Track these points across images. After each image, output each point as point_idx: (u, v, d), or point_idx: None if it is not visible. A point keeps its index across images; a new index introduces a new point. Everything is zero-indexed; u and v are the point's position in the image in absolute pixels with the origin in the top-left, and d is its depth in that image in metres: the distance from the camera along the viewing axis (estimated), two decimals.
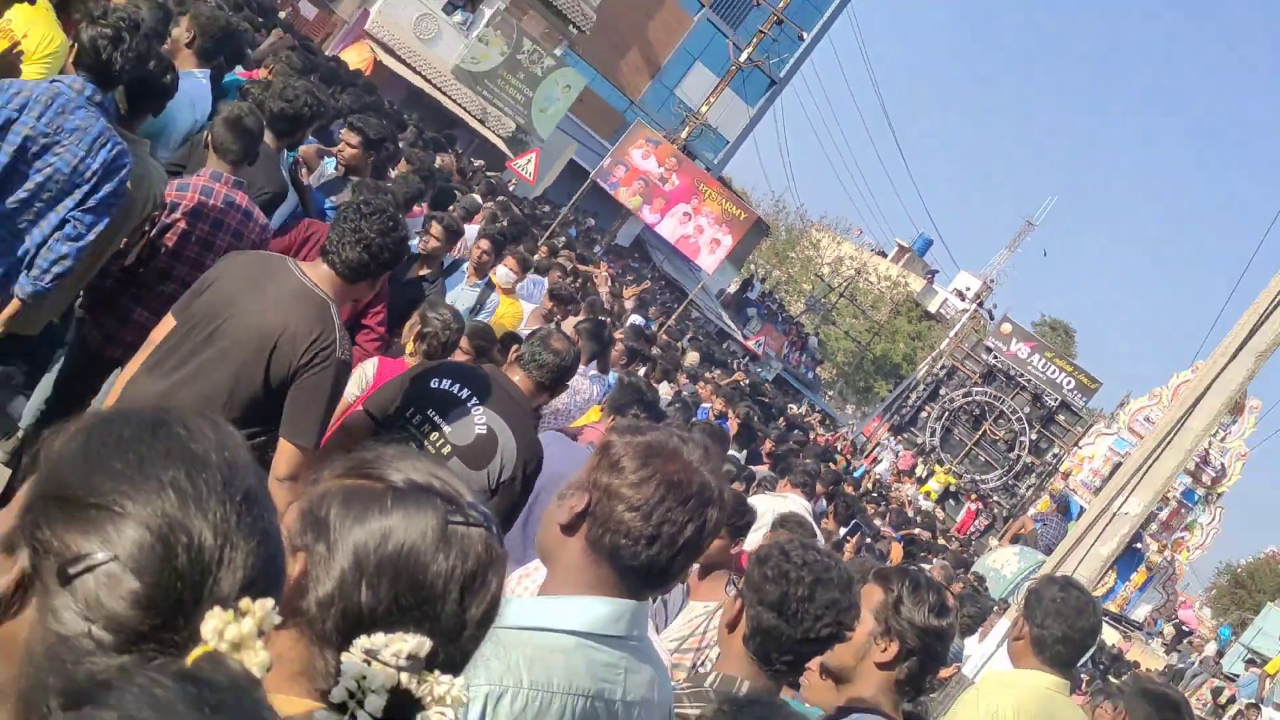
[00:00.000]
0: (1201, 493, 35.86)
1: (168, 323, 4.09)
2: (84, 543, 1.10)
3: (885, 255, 68.95)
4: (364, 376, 5.16)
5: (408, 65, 29.50)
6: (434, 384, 4.38)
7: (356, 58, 27.66)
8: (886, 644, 3.10)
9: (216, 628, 1.03)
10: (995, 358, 40.62)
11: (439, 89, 29.96)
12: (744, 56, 37.53)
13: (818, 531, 7.71)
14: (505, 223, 12.58)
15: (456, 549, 1.38)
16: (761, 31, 37.79)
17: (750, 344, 43.56)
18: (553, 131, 31.79)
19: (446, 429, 4.25)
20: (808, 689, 3.31)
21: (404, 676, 1.28)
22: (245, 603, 1.06)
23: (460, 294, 8.78)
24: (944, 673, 6.37)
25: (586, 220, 34.16)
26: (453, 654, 1.38)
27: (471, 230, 10.24)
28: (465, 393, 4.34)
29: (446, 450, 4.21)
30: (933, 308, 65.53)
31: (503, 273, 9.16)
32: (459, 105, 30.23)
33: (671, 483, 2.01)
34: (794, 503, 7.65)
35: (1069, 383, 40.22)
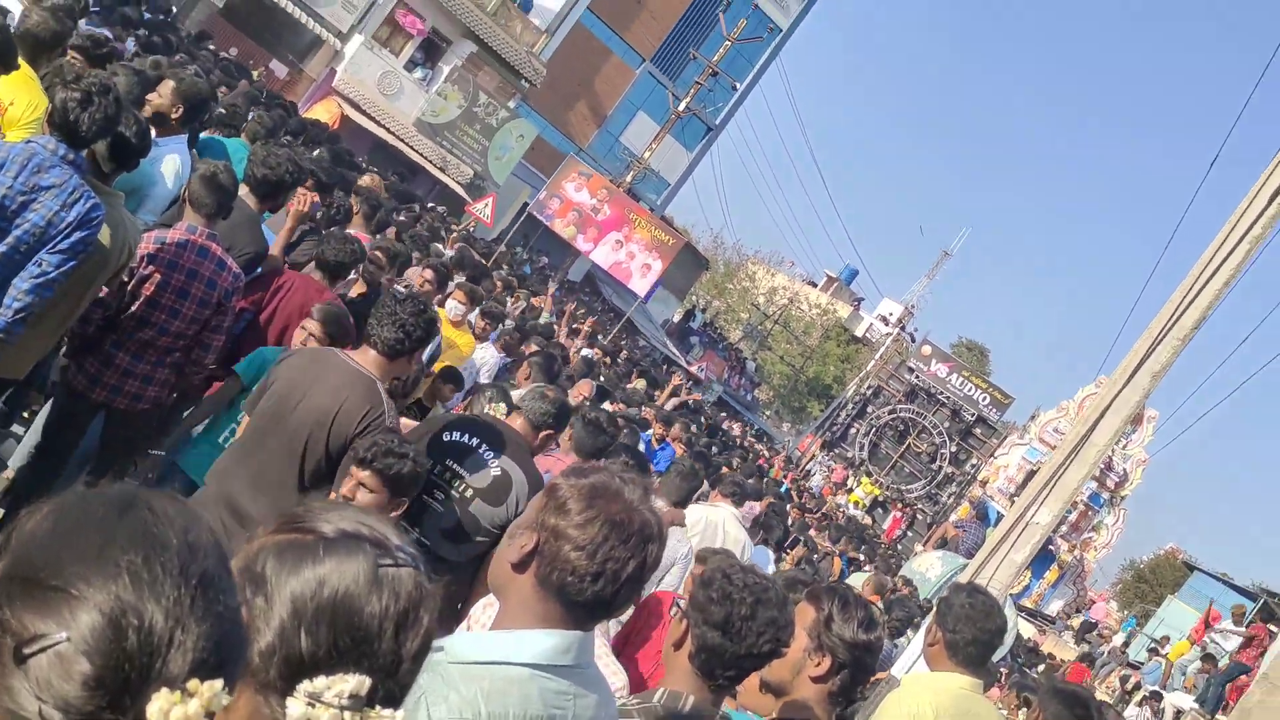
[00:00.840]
0: (1106, 496, 36.27)
1: (244, 420, 4.62)
2: (40, 624, 1.06)
3: (815, 285, 69.34)
4: None
5: (372, 119, 29.47)
6: (446, 438, 4.70)
7: (325, 113, 27.54)
8: (820, 659, 3.12)
9: (162, 708, 1.01)
10: (917, 377, 40.92)
11: (402, 140, 29.95)
12: (682, 106, 37.70)
13: (748, 543, 7.66)
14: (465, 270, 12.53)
15: (388, 590, 1.36)
16: (698, 83, 37.98)
17: (693, 369, 43.64)
18: (508, 177, 31.83)
19: (467, 476, 4.58)
20: (744, 694, 3.32)
21: (347, 715, 1.27)
22: (193, 684, 1.04)
23: None
24: (874, 677, 6.38)
25: (540, 258, 34.15)
26: (391, 688, 1.36)
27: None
28: (475, 441, 4.70)
29: (469, 494, 4.56)
30: (859, 332, 65.93)
31: (451, 305, 8.82)
32: (420, 155, 30.23)
33: (614, 522, 2.01)
34: (724, 511, 7.59)
35: (984, 399, 40.57)
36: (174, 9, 22.56)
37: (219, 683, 1.06)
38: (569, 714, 2.02)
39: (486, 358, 9.29)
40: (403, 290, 4.57)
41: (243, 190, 6.34)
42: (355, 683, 1.28)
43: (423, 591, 1.41)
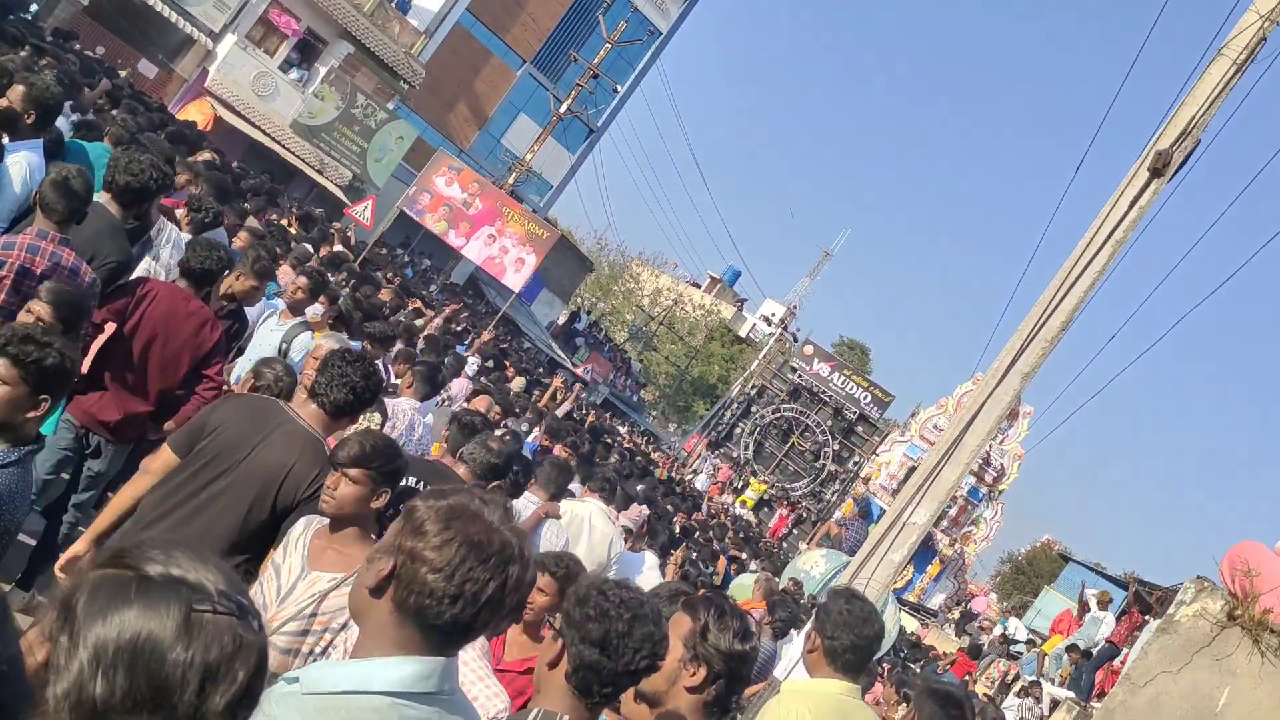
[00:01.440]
0: (985, 490, 37.14)
1: (167, 457, 4.40)
2: None
3: (699, 286, 69.89)
4: None
5: (247, 120, 28.87)
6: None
7: (197, 114, 26.93)
8: (695, 669, 3.11)
9: None
10: (800, 376, 41.48)
11: (278, 142, 29.38)
12: (564, 108, 37.67)
13: (616, 538, 7.62)
14: (345, 274, 12.32)
15: (199, 639, 1.30)
16: (579, 85, 38.00)
17: (579, 371, 43.62)
18: (388, 179, 31.44)
19: None
20: (623, 704, 3.31)
21: None
22: None
23: (268, 333, 8.12)
24: (752, 689, 6.40)
25: (422, 261, 33.80)
26: None
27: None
28: (424, 486, 5.04)
29: None
30: (743, 333, 66.62)
31: (312, 309, 8.46)
32: (298, 157, 29.70)
33: (473, 543, 1.97)
34: (591, 505, 7.56)
35: (866, 397, 41.29)
36: (34, 6, 21.82)
37: None
38: None
39: (416, 423, 9.05)
40: (352, 351, 4.66)
41: (105, 198, 6.14)
42: None
43: (239, 643, 1.34)
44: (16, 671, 1.15)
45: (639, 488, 12.30)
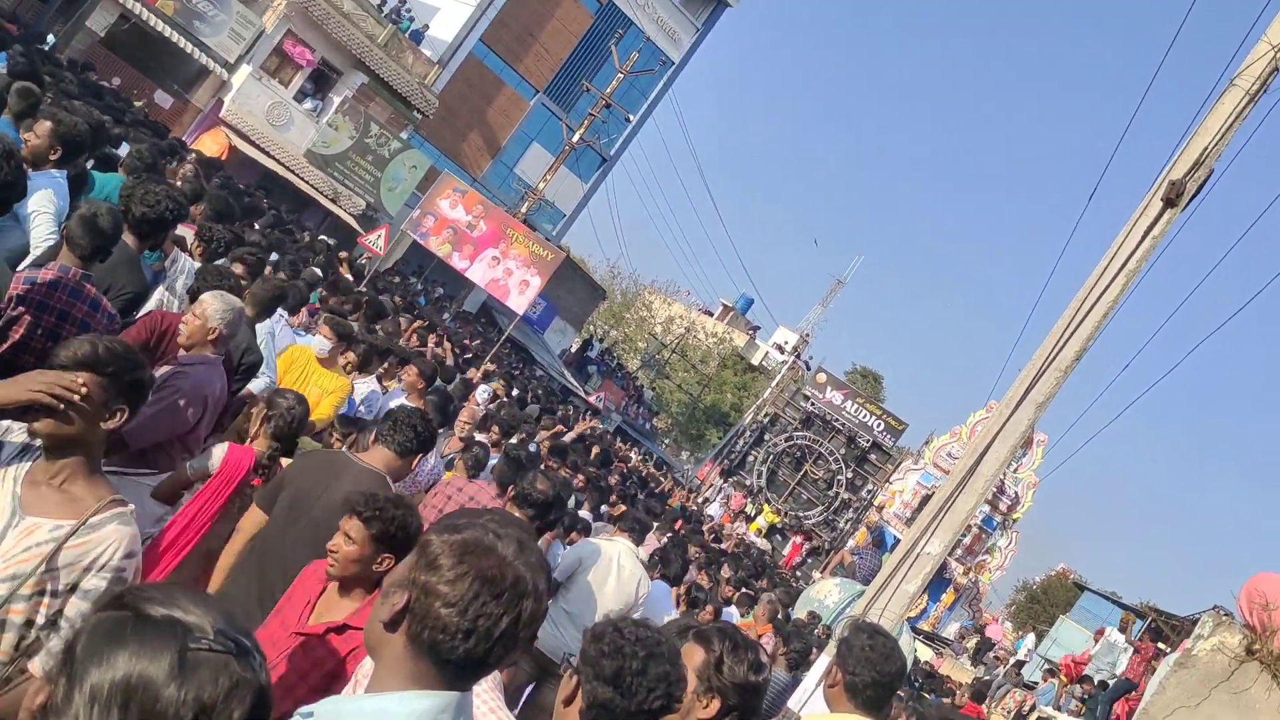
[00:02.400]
0: (999, 519, 36.99)
1: (257, 515, 4.87)
2: None
3: (711, 314, 69.92)
4: (211, 457, 5.20)
5: (262, 150, 29.05)
6: None
7: (212, 144, 27.12)
8: (709, 701, 3.11)
9: None
10: (813, 404, 41.40)
11: (292, 171, 29.56)
12: (576, 137, 37.78)
13: (644, 578, 7.66)
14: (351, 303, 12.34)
15: (193, 679, 1.32)
16: (592, 114, 38.12)
17: (592, 399, 43.62)
18: (401, 208, 31.58)
19: None
20: None
21: None
22: None
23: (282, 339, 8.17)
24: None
25: (435, 289, 33.87)
26: None
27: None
28: None
29: None
30: (756, 361, 66.55)
31: (317, 342, 8.30)
32: (312, 186, 29.87)
33: (486, 578, 1.96)
34: (620, 545, 7.59)
35: (879, 425, 41.17)
36: (50, 37, 22.00)
37: None
38: None
39: (362, 390, 9.09)
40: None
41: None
42: None
43: (235, 682, 1.35)
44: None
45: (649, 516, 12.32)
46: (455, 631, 1.94)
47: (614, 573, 7.35)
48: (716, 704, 3.11)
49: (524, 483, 6.19)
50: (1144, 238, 6.68)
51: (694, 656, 3.15)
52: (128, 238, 6.06)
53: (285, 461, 5.39)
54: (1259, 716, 3.26)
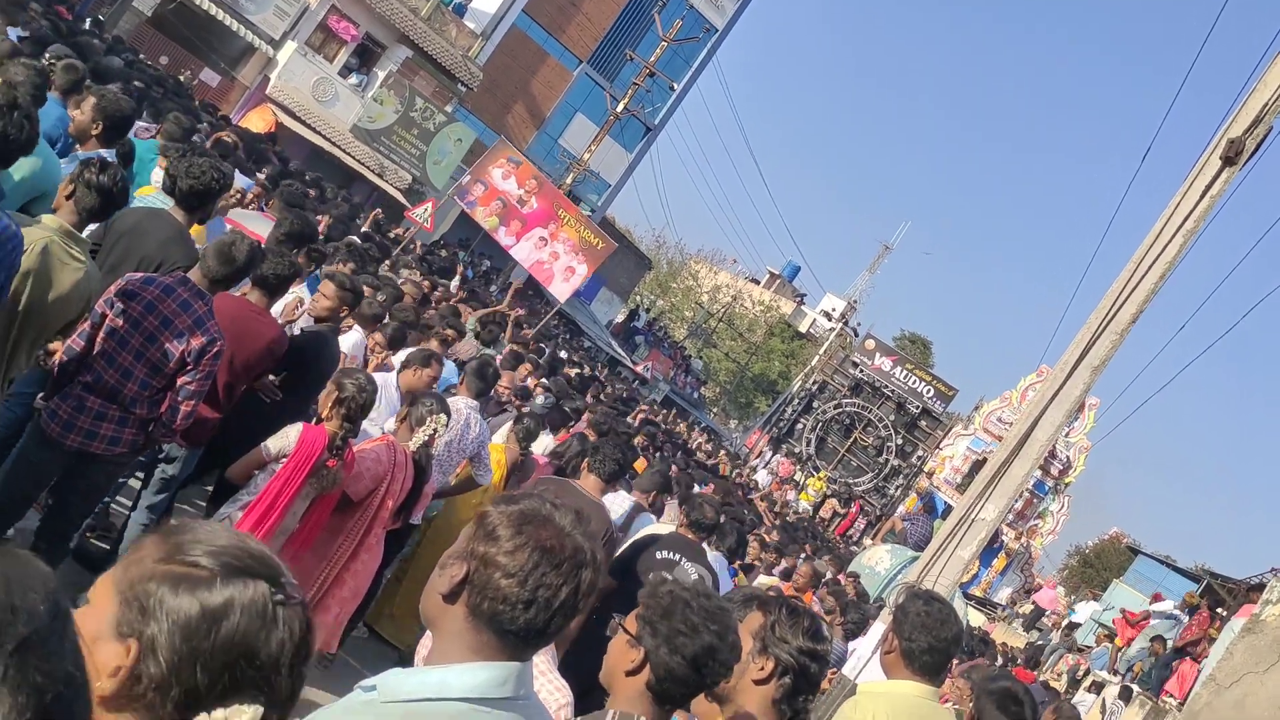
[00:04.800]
0: (1051, 484, 36.69)
1: None
2: None
3: (758, 282, 69.67)
4: (287, 439, 5.28)
5: (308, 126, 29.19)
6: (659, 555, 6.61)
7: (260, 121, 27.27)
8: (763, 662, 3.12)
9: None
10: (861, 371, 41.22)
11: (338, 146, 29.69)
12: (620, 107, 37.64)
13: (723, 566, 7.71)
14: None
15: (284, 626, 1.41)
16: (636, 84, 37.95)
17: (639, 369, 43.66)
18: (446, 181, 31.64)
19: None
20: (695, 703, 3.32)
21: None
22: None
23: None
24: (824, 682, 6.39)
25: (482, 262, 33.96)
26: (285, 715, 1.43)
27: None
28: (677, 555, 6.64)
29: None
30: (803, 328, 66.31)
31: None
32: (358, 161, 29.99)
33: (545, 549, 1.95)
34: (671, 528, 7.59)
35: (928, 391, 40.94)
36: (100, 18, 22.16)
37: None
38: None
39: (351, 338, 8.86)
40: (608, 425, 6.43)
41: (168, 202, 6.22)
42: (252, 713, 1.35)
43: (311, 625, 1.46)
44: (72, 689, 1.15)
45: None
46: (515, 602, 1.93)
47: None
48: (771, 665, 3.11)
49: (693, 511, 7.01)
50: (1202, 197, 6.54)
51: (753, 621, 3.17)
52: (176, 212, 6.09)
53: (365, 444, 5.48)
54: None
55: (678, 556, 6.60)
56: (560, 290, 18.35)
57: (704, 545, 7.33)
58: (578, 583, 1.98)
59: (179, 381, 5.00)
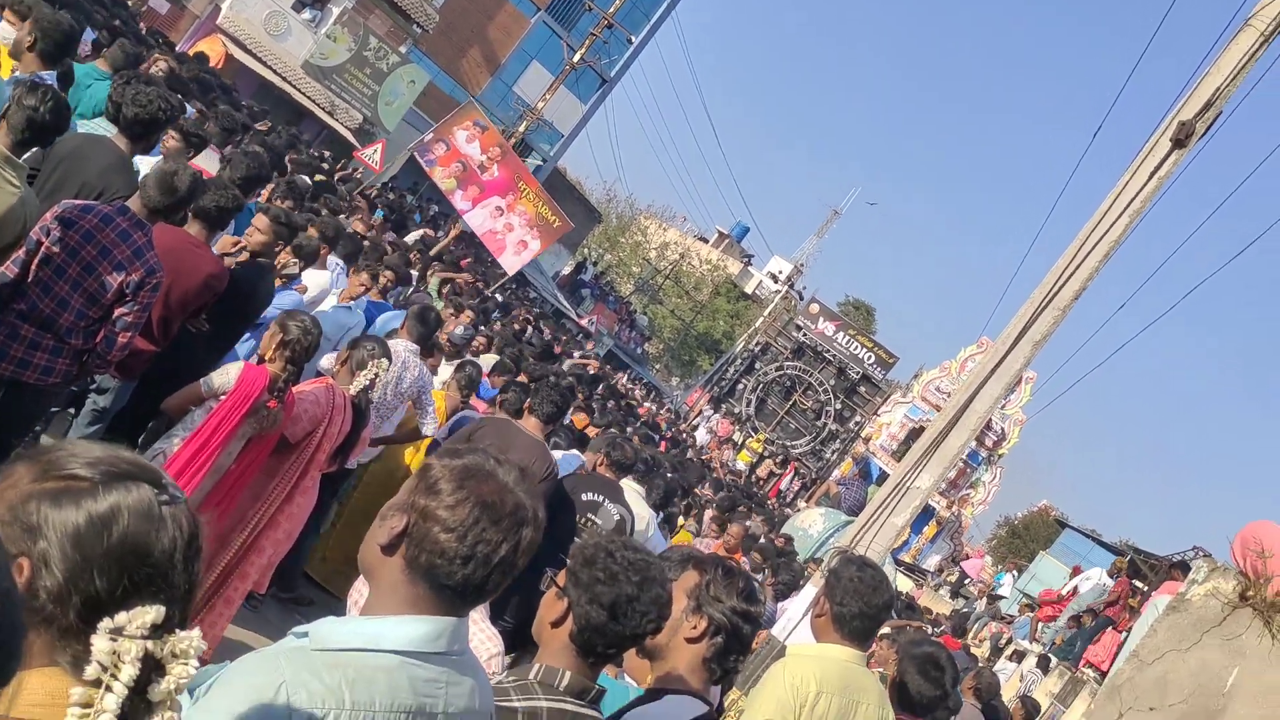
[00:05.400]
0: (984, 454, 37.16)
1: None
2: None
3: (707, 241, 69.66)
4: (227, 375, 5.24)
5: (259, 59, 28.63)
6: (584, 496, 6.82)
7: (209, 51, 26.71)
8: (696, 621, 3.14)
9: None
10: (804, 335, 41.40)
11: (289, 82, 29.16)
12: (577, 57, 37.34)
13: (652, 519, 7.70)
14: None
15: (172, 524, 1.44)
16: (593, 34, 37.65)
17: (584, 322, 43.57)
18: (398, 124, 31.24)
19: (601, 524, 6.69)
20: (626, 659, 3.35)
21: (150, 643, 1.36)
22: None
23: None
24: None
25: (430, 207, 33.63)
26: (184, 612, 1.46)
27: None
28: (601, 496, 6.87)
29: None
30: (749, 289, 66.49)
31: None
32: (308, 98, 29.50)
33: (486, 504, 1.94)
34: (628, 485, 7.55)
35: (870, 357, 41.23)
36: None
37: None
38: (440, 702, 1.95)
39: (320, 280, 8.92)
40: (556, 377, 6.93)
41: (112, 131, 6.08)
42: (155, 613, 1.37)
43: (196, 522, 1.49)
44: (12, 606, 1.17)
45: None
46: (454, 557, 1.92)
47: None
48: (704, 624, 3.15)
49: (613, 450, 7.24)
50: (1150, 178, 6.61)
51: (688, 580, 3.19)
52: (119, 140, 5.96)
53: (303, 386, 5.42)
54: (1249, 662, 3.28)
55: (601, 498, 6.83)
56: (509, 262, 17.99)
57: (623, 484, 7.41)
58: (518, 540, 1.97)
59: (116, 313, 4.90)
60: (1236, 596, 3.32)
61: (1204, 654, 3.30)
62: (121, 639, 1.34)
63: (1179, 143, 6.64)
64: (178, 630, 1.39)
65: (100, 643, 1.33)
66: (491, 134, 18.70)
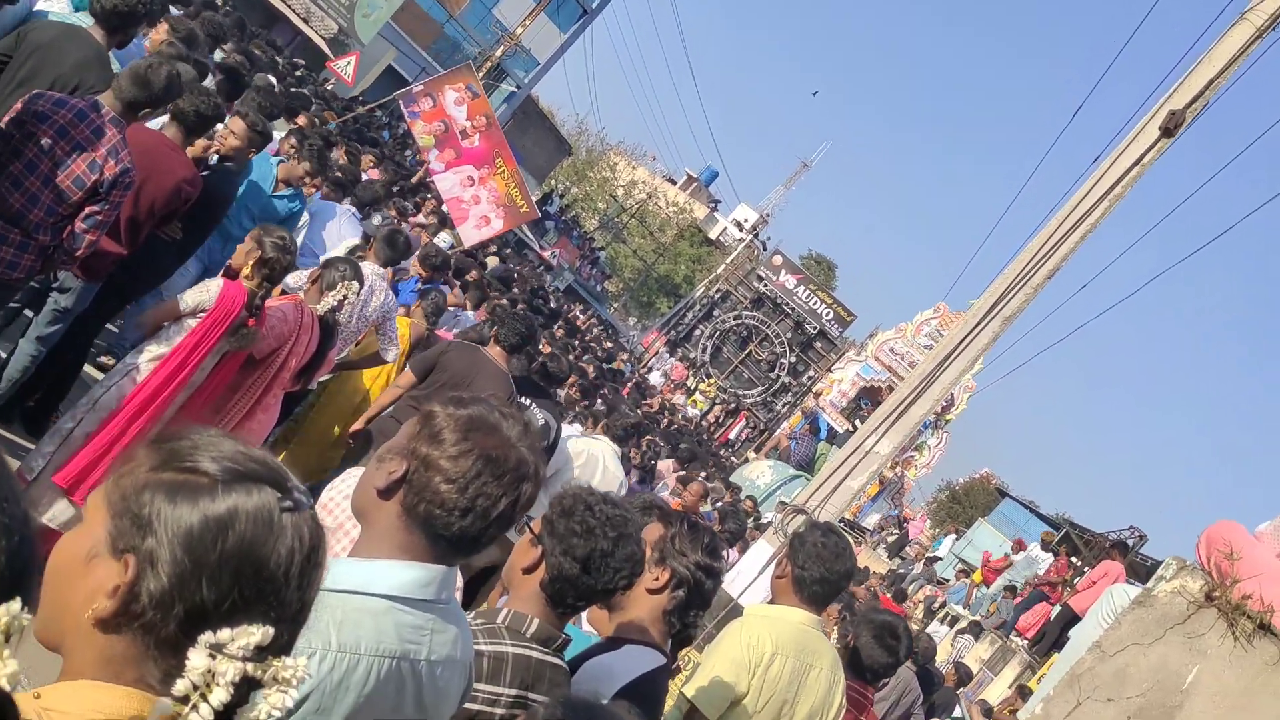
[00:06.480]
0: (932, 419, 37.51)
1: (410, 377, 6.87)
2: None
3: (675, 183, 69.36)
4: (207, 292, 5.15)
5: None
6: None
7: None
8: (659, 572, 3.18)
9: None
10: (765, 285, 41.42)
11: None
12: None
13: (624, 481, 7.70)
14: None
15: (293, 534, 1.31)
16: None
17: (546, 254, 43.37)
18: (374, 37, 30.76)
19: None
20: (590, 614, 3.37)
21: (249, 666, 1.24)
22: None
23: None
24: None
25: (399, 125, 33.19)
26: (294, 634, 1.33)
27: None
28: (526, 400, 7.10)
29: None
30: (713, 235, 66.33)
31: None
32: (284, 2, 28.93)
33: (489, 458, 1.94)
34: (604, 444, 7.58)
35: (828, 313, 41.34)
36: None
37: (15, 604, 1.01)
38: (425, 649, 1.96)
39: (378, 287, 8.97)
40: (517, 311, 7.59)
41: (88, 21, 5.93)
42: (261, 634, 1.25)
43: (320, 534, 1.36)
44: (28, 533, 1.12)
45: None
46: (453, 508, 1.91)
47: (599, 472, 7.36)
48: (666, 576, 3.18)
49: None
50: (1135, 164, 6.64)
51: (652, 532, 3.22)
52: (96, 32, 5.82)
53: (272, 301, 5.35)
54: (1210, 662, 3.36)
55: (529, 401, 7.11)
56: (468, 235, 17.43)
57: (599, 441, 7.43)
58: (517, 495, 1.97)
59: (86, 209, 4.82)
60: (1202, 596, 3.40)
61: (1166, 650, 3.37)
62: (221, 657, 1.23)
63: (1168, 131, 6.67)
64: (284, 658, 1.28)
65: (197, 658, 1.23)
66: (481, 102, 18.24)
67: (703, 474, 14.02)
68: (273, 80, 12.29)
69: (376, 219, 11.35)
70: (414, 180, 17.70)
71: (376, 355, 7.54)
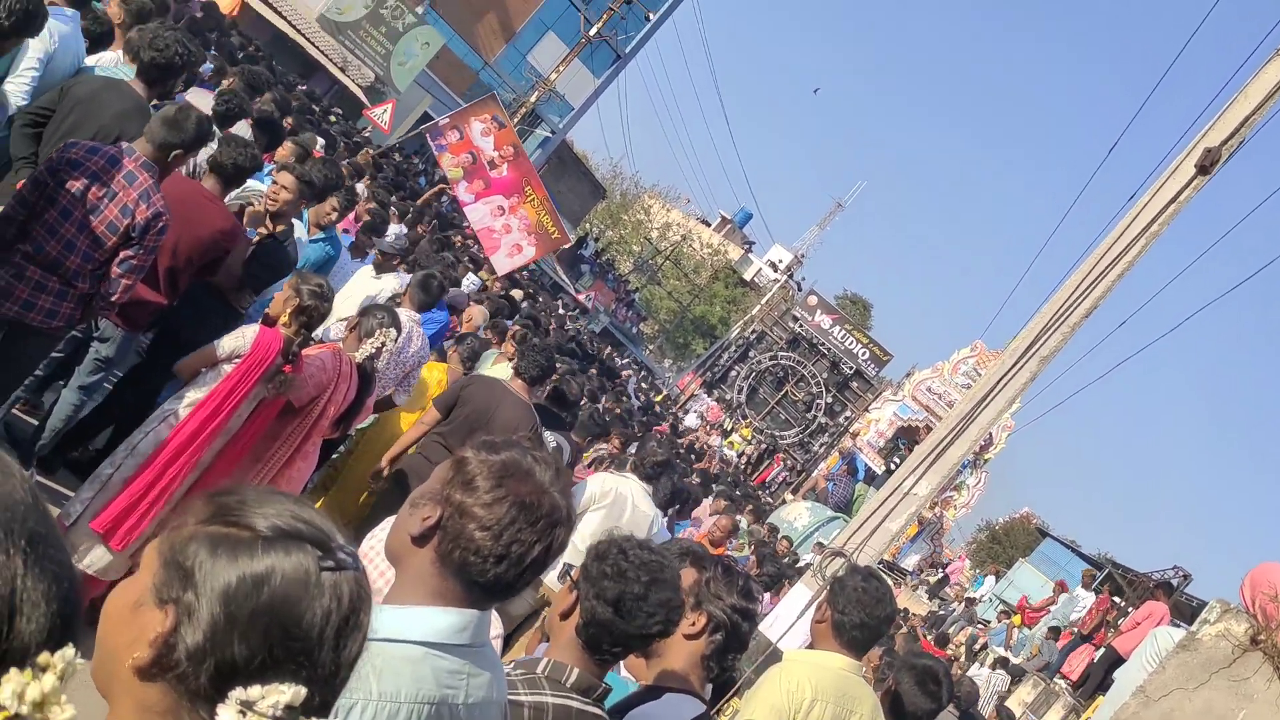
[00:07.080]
0: (971, 458, 37.20)
1: (434, 414, 6.95)
2: None
3: (709, 224, 69.54)
4: (243, 338, 5.19)
5: (274, 9, 28.46)
6: None
7: (220, 1, 26.55)
8: (695, 617, 3.16)
9: (15, 692, 0.94)
10: (800, 326, 41.35)
11: (303, 35, 29.01)
12: (594, 31, 37.21)
13: (657, 517, 7.61)
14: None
15: (330, 594, 1.29)
16: (611, 9, 37.51)
17: (581, 297, 43.52)
18: (410, 85, 31.12)
19: None
20: (627, 662, 3.35)
21: None
22: (44, 657, 0.98)
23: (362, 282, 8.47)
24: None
25: (435, 171, 33.50)
26: (327, 696, 1.31)
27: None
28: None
29: None
30: (748, 276, 66.39)
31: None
32: (321, 52, 29.35)
33: (523, 504, 1.93)
34: (633, 484, 7.48)
35: (864, 353, 41.21)
36: None
37: (70, 650, 1.01)
38: (461, 693, 1.95)
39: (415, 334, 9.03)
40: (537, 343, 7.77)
41: (130, 73, 6.04)
42: (292, 693, 1.24)
43: (363, 594, 1.34)
44: (73, 578, 1.13)
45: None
46: (488, 555, 1.91)
47: (628, 510, 7.28)
48: (702, 621, 3.17)
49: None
50: (1171, 202, 6.60)
51: (687, 577, 3.19)
52: (136, 84, 5.91)
53: (310, 350, 5.40)
54: (1256, 706, 3.29)
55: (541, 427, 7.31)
56: (501, 264, 17.44)
57: (628, 480, 7.41)
58: (550, 540, 1.96)
59: (120, 254, 4.87)
60: (1248, 640, 3.34)
61: (1211, 694, 3.31)
62: (251, 714, 1.23)
63: (1204, 169, 6.63)
64: (315, 718, 1.27)
65: (226, 714, 1.23)
66: (508, 132, 18.28)
67: (739, 516, 13.93)
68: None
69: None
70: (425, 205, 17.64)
71: (389, 398, 7.59)
